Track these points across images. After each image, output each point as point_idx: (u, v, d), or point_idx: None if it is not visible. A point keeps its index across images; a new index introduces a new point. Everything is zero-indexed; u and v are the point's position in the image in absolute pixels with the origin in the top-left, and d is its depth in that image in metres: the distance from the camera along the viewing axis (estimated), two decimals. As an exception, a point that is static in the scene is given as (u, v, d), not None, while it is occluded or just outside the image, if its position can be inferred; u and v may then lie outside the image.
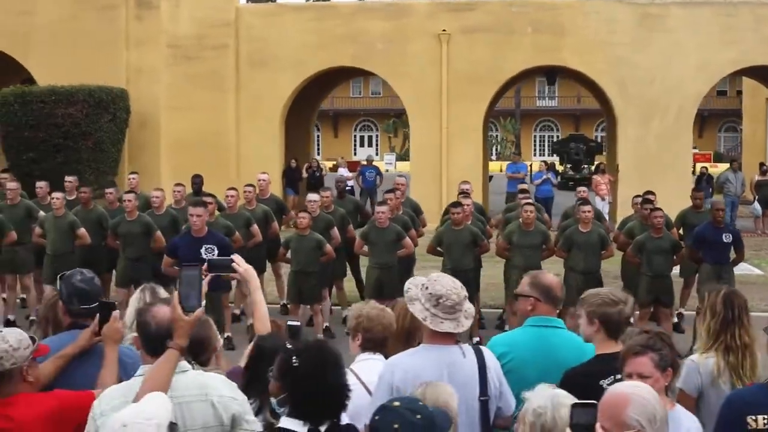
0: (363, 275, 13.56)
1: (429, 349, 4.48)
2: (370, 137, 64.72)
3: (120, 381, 4.24)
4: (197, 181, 14.51)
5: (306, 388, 3.59)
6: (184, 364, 3.79)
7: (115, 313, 4.41)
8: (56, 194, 12.37)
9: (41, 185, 13.82)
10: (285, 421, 3.62)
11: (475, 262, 11.78)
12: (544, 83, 60.71)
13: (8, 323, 11.60)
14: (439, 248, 11.73)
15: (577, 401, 3.23)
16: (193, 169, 20.71)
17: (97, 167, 21.11)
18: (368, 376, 4.71)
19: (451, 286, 4.49)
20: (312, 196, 12.37)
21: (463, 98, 22.84)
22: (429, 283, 4.52)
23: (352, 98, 61.44)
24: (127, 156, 22.87)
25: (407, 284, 4.65)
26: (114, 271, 12.96)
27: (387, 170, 41.53)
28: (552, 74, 25.18)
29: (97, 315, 4.39)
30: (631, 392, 3.34)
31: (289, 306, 11.93)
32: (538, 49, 22.88)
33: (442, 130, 22.99)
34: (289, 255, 11.66)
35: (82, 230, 12.20)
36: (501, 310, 12.90)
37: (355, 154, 59.81)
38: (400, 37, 23.07)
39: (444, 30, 22.90)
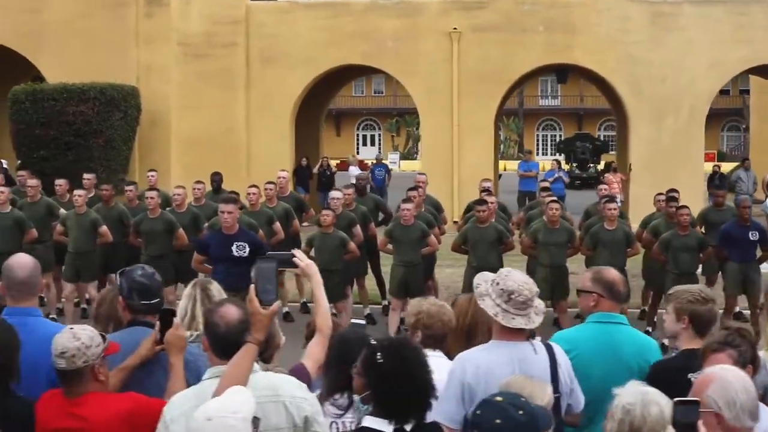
0: (382, 273, 13.60)
1: (500, 345, 4.43)
2: (372, 136, 64.62)
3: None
4: (216, 178, 14.45)
5: (390, 386, 3.53)
6: (256, 365, 3.73)
7: (177, 319, 4.33)
8: (78, 192, 12.32)
9: (60, 183, 13.77)
10: (369, 420, 3.56)
11: (500, 260, 11.73)
12: (547, 82, 60.79)
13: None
14: (463, 246, 11.68)
15: (680, 398, 3.17)
16: (203, 167, 20.69)
17: (108, 165, 21.04)
18: None
19: (522, 281, 4.45)
20: (335, 194, 12.31)
21: (474, 96, 22.78)
22: (500, 278, 4.48)
23: (354, 97, 61.33)
24: (137, 154, 22.79)
25: (476, 280, 4.61)
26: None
27: (391, 169, 41.46)
28: (563, 73, 25.11)
29: (158, 323, 4.31)
30: (719, 373, 3.31)
31: (309, 305, 11.87)
32: (550, 47, 22.82)
33: (453, 128, 22.92)
34: (312, 253, 11.59)
35: (104, 228, 12.14)
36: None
37: (357, 153, 59.63)
38: (412, 35, 23.00)
39: (455, 28, 22.83)
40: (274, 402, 3.60)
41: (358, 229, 12.22)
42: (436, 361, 4.82)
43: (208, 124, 23.08)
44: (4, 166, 22.16)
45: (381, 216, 13.89)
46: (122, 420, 3.83)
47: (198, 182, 13.45)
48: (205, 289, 4.97)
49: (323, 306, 4.60)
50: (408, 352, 3.67)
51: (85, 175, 14.46)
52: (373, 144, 63.42)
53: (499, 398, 3.13)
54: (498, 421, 3.04)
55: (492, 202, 11.91)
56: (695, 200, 19.09)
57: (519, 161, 25.92)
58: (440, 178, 22.74)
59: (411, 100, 67.38)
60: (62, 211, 12.96)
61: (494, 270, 11.63)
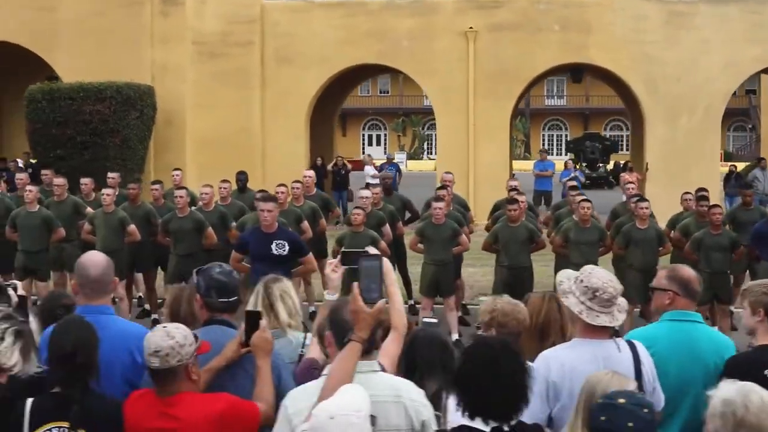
0: (409, 273, 13.56)
1: (584, 343, 4.39)
2: (378, 136, 64.58)
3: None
4: (242, 177, 14.40)
5: (480, 384, 3.49)
6: (374, 363, 3.69)
7: (264, 321, 4.27)
8: (106, 191, 12.26)
9: (86, 182, 13.73)
10: (466, 420, 3.52)
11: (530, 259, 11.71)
12: (553, 82, 60.72)
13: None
14: (494, 245, 11.64)
15: None
16: (218, 166, 20.70)
17: (125, 165, 20.91)
18: None
19: (606, 279, 4.41)
20: (364, 192, 12.26)
21: (490, 96, 22.75)
22: (584, 276, 4.43)
23: (360, 97, 61.25)
24: (152, 153, 22.73)
25: (559, 277, 4.56)
26: (160, 268, 12.93)
27: (401, 169, 41.39)
28: (578, 72, 25.07)
29: (243, 324, 4.26)
30: None
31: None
32: (566, 46, 22.78)
33: (468, 127, 22.88)
34: (342, 252, 11.53)
35: (132, 227, 12.08)
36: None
37: (363, 152, 59.60)
38: (427, 34, 22.95)
39: (471, 27, 22.80)
40: (396, 403, 3.58)
41: (387, 228, 12.17)
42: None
43: (223, 124, 23.04)
44: (20, 165, 22.11)
45: (407, 215, 13.84)
46: (215, 421, 3.79)
47: (224, 181, 13.40)
48: (277, 283, 4.95)
49: (397, 303, 4.56)
50: (497, 348, 3.62)
51: (110, 174, 14.41)
52: (378, 144, 63.39)
53: (621, 400, 3.08)
54: (630, 424, 2.99)
55: (523, 201, 11.88)
56: (712, 200, 19.02)
57: (534, 161, 25.87)
58: (456, 178, 22.60)
59: (417, 100, 67.79)
60: (89, 209, 12.92)
61: (525, 270, 11.66)
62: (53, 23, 23.04)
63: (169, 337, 3.78)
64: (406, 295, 13.42)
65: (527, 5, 22.81)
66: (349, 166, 25.43)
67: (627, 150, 46.83)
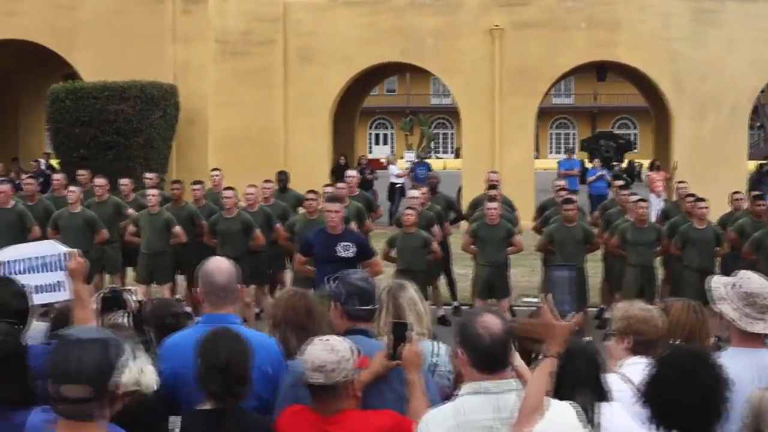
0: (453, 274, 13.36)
1: (740, 352, 4.18)
2: (385, 135, 64.32)
3: None
4: (283, 177, 14.17)
5: (674, 395, 3.29)
6: (512, 381, 3.46)
7: (413, 334, 4.01)
8: (152, 191, 12.05)
9: (125, 182, 13.52)
10: None
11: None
12: (560, 80, 60.44)
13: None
14: (550, 246, 11.43)
15: None
16: (241, 166, 20.49)
17: (148, 164, 20.60)
18: None
19: (763, 284, 4.21)
20: (414, 192, 12.06)
21: (516, 94, 22.53)
22: (741, 281, 4.23)
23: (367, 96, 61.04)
24: (174, 153, 22.48)
25: (712, 284, 4.34)
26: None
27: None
28: (602, 70, 24.86)
29: (389, 337, 4.02)
30: None
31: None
32: (592, 44, 22.57)
33: (494, 126, 22.66)
34: (393, 254, 11.31)
35: (178, 228, 11.86)
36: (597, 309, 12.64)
37: (370, 152, 59.34)
38: (452, 32, 22.72)
39: (496, 25, 22.57)
40: None
41: (436, 228, 11.98)
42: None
43: (245, 123, 22.82)
44: (42, 166, 21.90)
45: (452, 215, 13.62)
46: None
47: (267, 181, 13.20)
48: (395, 298, 4.68)
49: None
50: (692, 358, 3.42)
51: (147, 174, 14.25)
52: (385, 143, 63.14)
53: None
54: None
55: (576, 201, 11.67)
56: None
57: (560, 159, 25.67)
58: (481, 177, 22.36)
59: (424, 99, 67.53)
60: (130, 210, 12.70)
61: (580, 270, 11.43)
62: (74, 22, 22.80)
63: (333, 352, 3.54)
64: (451, 297, 13.23)
65: (553, 3, 22.59)
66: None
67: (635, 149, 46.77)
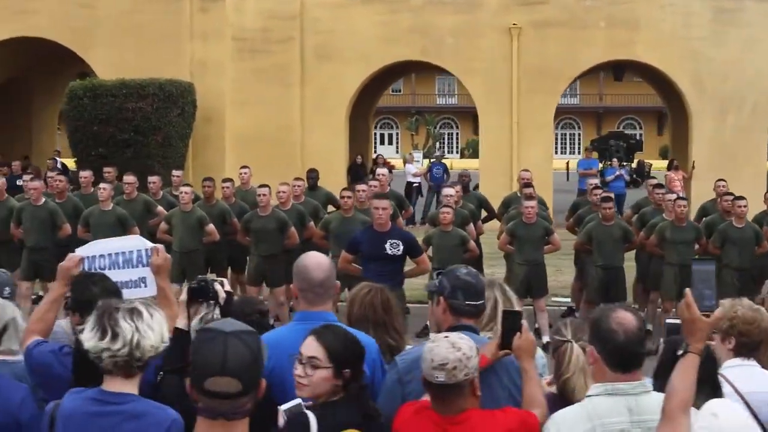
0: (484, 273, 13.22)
1: None
2: (390, 135, 64.20)
3: None
4: (313, 175, 14.05)
5: None
6: (648, 382, 3.35)
7: (524, 323, 3.91)
8: (185, 189, 11.93)
9: (154, 179, 13.42)
10: None
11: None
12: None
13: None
14: (587, 245, 11.33)
15: None
16: (257, 164, 20.28)
17: (166, 163, 20.53)
18: (746, 385, 4.24)
19: None
20: (448, 191, 11.91)
21: (534, 93, 22.43)
22: None
23: (372, 96, 60.97)
24: (191, 151, 22.36)
25: None
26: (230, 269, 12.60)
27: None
28: (620, 70, 24.76)
29: (499, 326, 3.91)
30: None
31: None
32: (612, 43, 22.48)
33: (512, 125, 22.56)
34: (430, 252, 11.19)
35: (211, 226, 11.75)
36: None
37: (375, 151, 59.19)
38: (471, 31, 22.62)
39: (515, 24, 22.46)
40: None
41: (472, 227, 11.87)
42: (750, 371, 4.45)
43: (262, 121, 22.70)
44: (59, 165, 21.72)
45: (484, 214, 13.51)
46: None
47: (297, 179, 13.11)
48: (504, 291, 4.57)
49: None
50: None
51: (174, 172, 14.17)
52: (390, 143, 63.02)
53: None
54: None
55: (612, 200, 11.57)
56: (758, 198, 18.78)
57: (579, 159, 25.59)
58: (499, 176, 22.42)
59: (430, 99, 67.45)
60: (159, 208, 12.59)
61: (619, 270, 11.33)
62: (91, 20, 22.68)
63: (455, 349, 3.42)
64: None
65: (573, 2, 22.50)
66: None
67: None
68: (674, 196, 11.56)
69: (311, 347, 3.57)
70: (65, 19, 22.65)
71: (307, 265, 4.27)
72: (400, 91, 61.95)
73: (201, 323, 3.99)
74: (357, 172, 23.38)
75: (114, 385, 3.22)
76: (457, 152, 60.48)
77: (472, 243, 11.24)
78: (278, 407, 3.78)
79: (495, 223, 13.64)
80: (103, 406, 3.21)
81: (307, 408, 3.45)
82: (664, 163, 51.87)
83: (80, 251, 4.66)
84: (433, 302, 4.20)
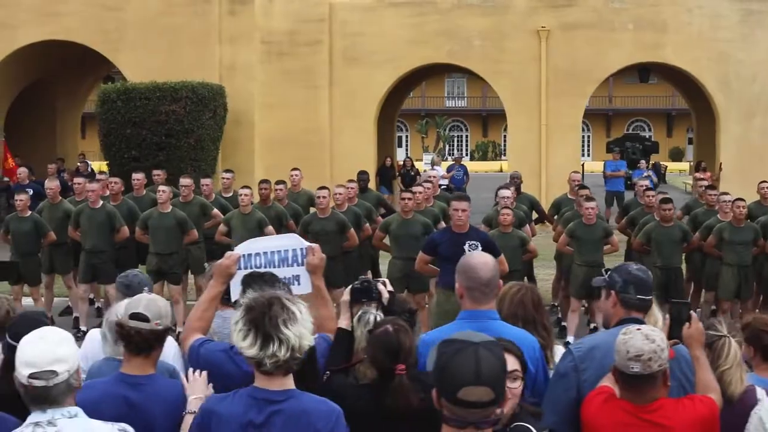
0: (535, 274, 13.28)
1: None
2: (400, 138, 64.25)
3: None
4: (363, 177, 14.13)
5: None
6: None
7: (694, 313, 4.01)
8: (244, 191, 11.97)
9: (207, 182, 13.47)
10: None
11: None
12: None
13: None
14: (645, 246, 11.39)
15: None
16: (286, 166, 20.31)
17: (198, 165, 20.61)
18: None
19: None
20: (505, 192, 11.95)
21: (562, 95, 22.51)
22: None
23: (381, 98, 61.06)
24: (221, 154, 22.41)
25: None
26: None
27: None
28: (645, 72, 24.84)
29: (668, 316, 4.01)
30: None
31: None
32: (639, 45, 22.57)
33: (540, 127, 22.64)
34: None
35: (270, 228, 11.82)
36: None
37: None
38: (498, 33, 22.71)
39: (543, 27, 22.55)
40: None
41: (528, 227, 11.93)
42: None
43: (291, 124, 22.78)
44: (90, 168, 21.80)
45: (535, 215, 13.58)
46: (701, 426, 3.54)
47: (351, 181, 13.16)
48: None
49: None
50: None
51: (224, 174, 14.21)
52: (400, 145, 63.02)
53: None
54: None
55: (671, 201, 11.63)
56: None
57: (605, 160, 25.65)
58: (527, 178, 22.32)
59: (439, 101, 67.29)
60: (215, 211, 12.64)
61: (677, 270, 11.36)
62: (120, 23, 22.73)
63: (650, 341, 3.52)
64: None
65: (601, 4, 22.58)
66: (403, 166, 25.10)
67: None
68: (731, 197, 11.61)
69: (510, 361, 3.61)
70: (94, 22, 22.70)
71: (475, 264, 4.34)
72: (410, 94, 62.08)
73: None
74: (386, 175, 23.44)
75: (274, 383, 3.28)
76: (467, 155, 60.55)
77: (532, 244, 11.29)
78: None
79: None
80: (268, 406, 3.27)
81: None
82: (677, 165, 52.15)
83: (238, 249, 4.72)
84: (602, 296, 4.28)
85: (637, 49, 22.62)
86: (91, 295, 12.96)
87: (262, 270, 4.69)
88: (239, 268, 4.66)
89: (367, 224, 12.16)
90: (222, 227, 12.01)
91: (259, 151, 22.89)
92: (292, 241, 4.81)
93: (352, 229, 11.56)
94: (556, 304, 12.86)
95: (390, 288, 4.55)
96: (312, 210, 13.71)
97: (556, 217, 13.10)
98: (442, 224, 11.82)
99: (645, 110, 61.26)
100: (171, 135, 20.34)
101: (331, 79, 22.99)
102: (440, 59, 23.25)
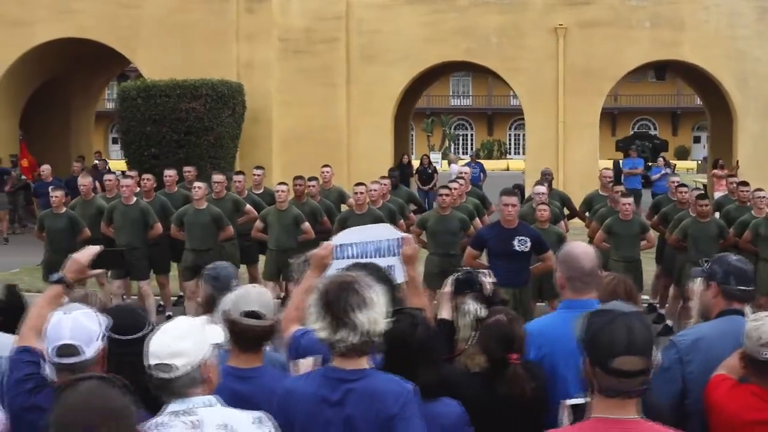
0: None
1: None
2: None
3: None
4: (395, 174, 14.16)
5: None
6: None
7: None
8: (281, 187, 11.98)
9: (239, 179, 13.48)
10: None
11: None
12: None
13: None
14: (682, 242, 11.41)
15: None
16: (303, 164, 20.38)
17: (218, 163, 20.54)
18: None
19: None
20: (540, 189, 11.98)
21: (580, 93, 22.54)
22: None
23: (386, 97, 61.03)
24: (239, 151, 22.41)
25: None
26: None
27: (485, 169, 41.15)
28: (661, 69, 24.86)
29: None
30: None
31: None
32: (657, 43, 22.59)
33: (558, 125, 22.66)
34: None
35: (307, 224, 11.82)
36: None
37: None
38: (516, 31, 22.73)
39: (560, 24, 22.57)
40: None
41: (563, 224, 11.95)
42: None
43: (308, 121, 22.79)
44: (109, 168, 21.79)
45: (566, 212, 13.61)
46: None
47: (383, 177, 13.22)
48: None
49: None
50: None
51: (255, 171, 14.20)
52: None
53: None
54: None
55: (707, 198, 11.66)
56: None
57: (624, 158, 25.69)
58: (544, 176, 22.46)
59: (444, 100, 67.20)
60: (248, 207, 12.66)
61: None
62: (136, 20, 22.72)
63: None
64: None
65: (618, 2, 22.60)
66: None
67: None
68: (766, 192, 11.63)
69: None
70: (111, 20, 22.69)
71: (578, 254, 4.35)
72: (424, 91, 62.13)
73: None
74: (403, 172, 23.43)
75: (348, 363, 3.33)
76: (472, 153, 60.60)
77: (569, 240, 11.31)
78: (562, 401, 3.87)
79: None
80: (341, 384, 3.31)
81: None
82: (683, 163, 52.21)
83: (335, 240, 4.75)
84: (702, 287, 4.29)
85: (654, 47, 22.64)
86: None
87: (356, 260, 4.72)
88: (335, 258, 4.69)
89: (402, 220, 12.17)
90: (258, 224, 12.02)
91: (276, 148, 22.90)
92: (387, 232, 4.83)
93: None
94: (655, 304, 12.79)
95: (492, 279, 4.57)
96: (342, 207, 13.79)
97: (587, 213, 13.12)
98: (476, 221, 11.89)
99: (650, 109, 61.31)
100: (191, 132, 20.31)
101: (348, 77, 23.00)
102: (458, 57, 23.25)
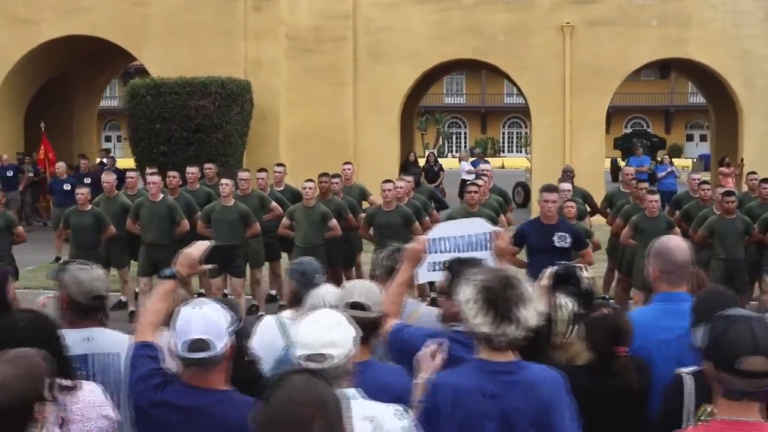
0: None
1: None
2: (399, 134, 64.39)
3: None
4: (416, 171, 14.33)
5: None
6: None
7: None
8: (308, 184, 11.96)
9: (262, 176, 13.48)
10: None
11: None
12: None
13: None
14: (709, 239, 11.50)
15: None
16: (311, 162, 20.44)
17: (226, 161, 20.54)
18: None
19: None
20: (565, 185, 12.06)
21: (587, 92, 22.64)
22: None
23: (380, 95, 61.04)
24: (247, 149, 22.41)
25: None
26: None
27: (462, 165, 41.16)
28: (665, 67, 24.97)
29: None
30: None
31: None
32: (663, 41, 22.71)
33: (564, 123, 22.75)
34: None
35: (334, 221, 11.83)
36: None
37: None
38: (523, 29, 22.81)
39: (567, 23, 22.66)
40: None
41: (587, 220, 12.03)
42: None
43: (315, 120, 22.81)
44: (115, 164, 21.74)
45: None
46: None
47: (407, 174, 13.21)
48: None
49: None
50: None
51: (276, 168, 14.21)
52: (399, 142, 63.17)
53: None
54: None
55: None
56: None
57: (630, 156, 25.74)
58: (551, 175, 22.44)
59: (438, 98, 67.32)
60: (273, 204, 12.66)
61: (741, 263, 11.44)
62: (144, 18, 22.68)
63: None
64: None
65: (624, 0, 22.70)
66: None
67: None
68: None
69: None
70: (119, 18, 22.65)
71: (672, 248, 4.41)
72: (429, 89, 62.17)
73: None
74: (409, 170, 23.47)
75: (501, 356, 3.40)
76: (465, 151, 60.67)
77: (596, 237, 11.38)
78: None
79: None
80: (499, 376, 3.37)
81: None
82: (677, 161, 52.31)
83: (429, 234, 4.81)
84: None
85: (660, 45, 22.75)
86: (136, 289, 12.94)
87: (450, 254, 4.78)
88: (429, 252, 4.75)
89: (426, 218, 12.22)
90: (285, 220, 12.02)
91: (284, 146, 22.90)
92: (479, 226, 4.89)
93: (417, 223, 11.60)
94: (607, 296, 12.94)
95: (588, 273, 4.62)
96: (363, 203, 13.83)
97: (609, 210, 13.19)
98: (501, 217, 11.95)
99: (643, 107, 61.53)
100: (200, 130, 20.30)
101: (355, 76, 23.03)
102: (464, 55, 23.31)
